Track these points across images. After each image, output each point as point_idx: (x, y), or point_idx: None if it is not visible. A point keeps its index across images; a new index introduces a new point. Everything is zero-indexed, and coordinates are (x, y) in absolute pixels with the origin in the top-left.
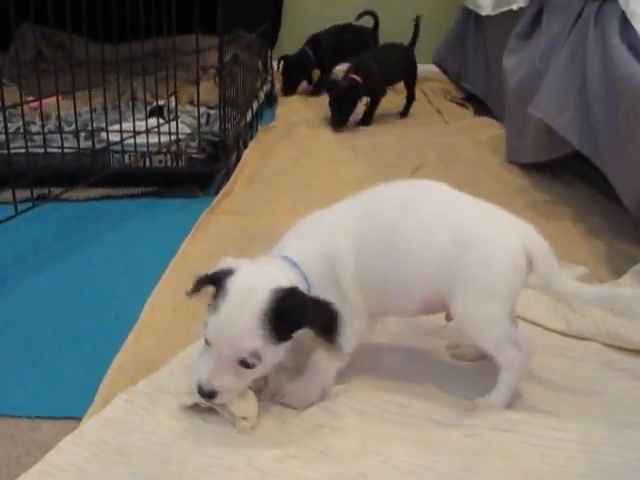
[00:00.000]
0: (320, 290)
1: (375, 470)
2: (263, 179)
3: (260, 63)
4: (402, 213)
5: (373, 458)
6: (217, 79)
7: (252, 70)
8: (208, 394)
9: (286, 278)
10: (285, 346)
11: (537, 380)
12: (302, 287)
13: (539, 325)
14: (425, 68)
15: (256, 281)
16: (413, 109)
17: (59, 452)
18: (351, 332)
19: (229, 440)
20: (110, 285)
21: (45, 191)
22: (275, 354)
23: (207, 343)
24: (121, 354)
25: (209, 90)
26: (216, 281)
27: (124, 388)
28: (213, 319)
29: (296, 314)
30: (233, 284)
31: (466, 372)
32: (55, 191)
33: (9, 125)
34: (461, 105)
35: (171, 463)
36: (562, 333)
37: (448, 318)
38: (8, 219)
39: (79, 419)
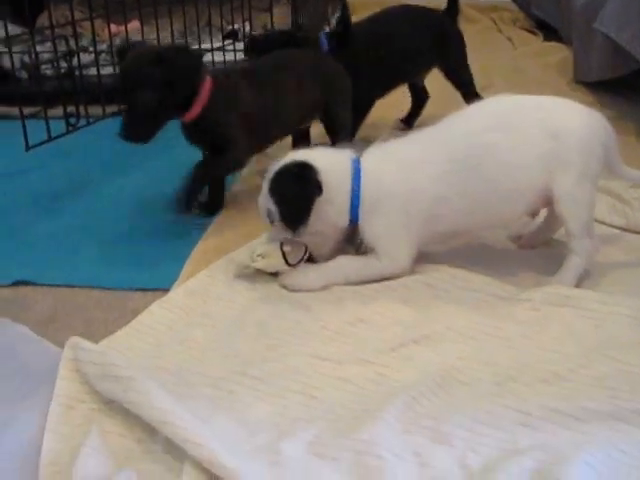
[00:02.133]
0: (382, 210)
1: (439, 334)
2: None
3: None
4: (493, 132)
5: (438, 324)
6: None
7: None
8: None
9: (322, 163)
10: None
11: (596, 265)
12: (339, 181)
13: (600, 222)
14: None
15: (288, 159)
16: (482, 35)
17: (149, 314)
18: (392, 265)
19: (305, 307)
20: None
21: None
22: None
23: None
24: (204, 240)
25: (281, 17)
26: None
27: (206, 267)
28: None
29: (278, 185)
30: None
31: (527, 258)
32: None
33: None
34: (531, 32)
35: (250, 326)
36: (621, 228)
37: (534, 215)
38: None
39: (167, 290)
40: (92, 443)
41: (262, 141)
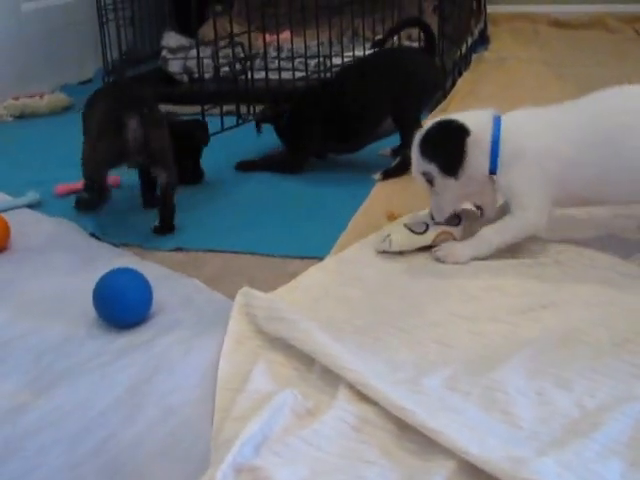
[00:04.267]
0: (513, 169)
1: (565, 301)
2: (475, 100)
3: (474, 4)
4: (632, 115)
5: (564, 293)
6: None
7: (467, 9)
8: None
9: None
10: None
11: None
12: (481, 128)
13: None
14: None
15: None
16: (623, 45)
17: (307, 275)
18: (529, 220)
19: (444, 275)
20: (346, 174)
21: None
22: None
23: None
24: (357, 216)
25: None
26: None
27: (359, 238)
28: None
29: (428, 141)
30: None
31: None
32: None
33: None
34: None
35: (395, 288)
36: None
37: None
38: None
39: (322, 258)
40: (260, 368)
41: None
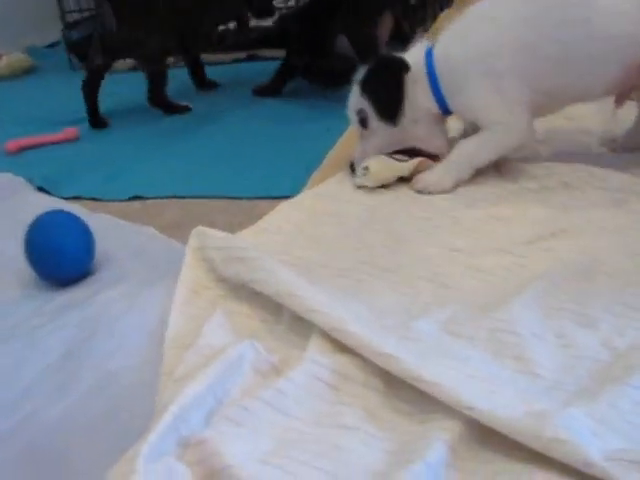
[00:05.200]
0: (462, 89)
1: (578, 227)
2: None
3: None
4: None
5: (576, 219)
6: None
7: None
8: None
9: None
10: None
11: None
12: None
13: None
14: None
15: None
16: None
17: (277, 213)
18: (510, 131)
19: (435, 206)
20: (319, 106)
21: None
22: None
23: None
24: (332, 152)
25: None
26: None
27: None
28: None
29: (364, 82)
30: None
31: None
32: None
33: None
34: None
35: (379, 222)
36: None
37: (618, 103)
38: None
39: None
40: (217, 320)
41: None
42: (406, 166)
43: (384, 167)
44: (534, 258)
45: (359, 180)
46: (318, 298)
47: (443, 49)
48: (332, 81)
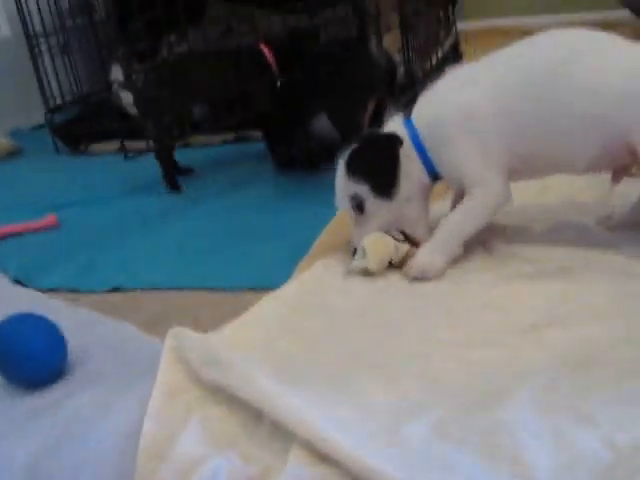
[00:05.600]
0: (445, 148)
1: (574, 314)
2: None
3: (442, 14)
4: (569, 54)
5: (572, 304)
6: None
7: (434, 21)
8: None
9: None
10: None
11: None
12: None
13: None
14: (613, 14)
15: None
16: None
17: (260, 307)
18: (488, 193)
19: (426, 294)
20: (307, 191)
21: None
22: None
23: None
24: (319, 239)
25: (392, 42)
26: None
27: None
28: None
29: (357, 163)
30: None
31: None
32: None
33: None
34: None
35: (367, 315)
36: None
37: (615, 180)
38: None
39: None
40: (194, 428)
41: None
42: (402, 247)
43: (381, 245)
44: (529, 350)
45: (358, 263)
46: (299, 406)
47: (424, 114)
48: (312, 163)
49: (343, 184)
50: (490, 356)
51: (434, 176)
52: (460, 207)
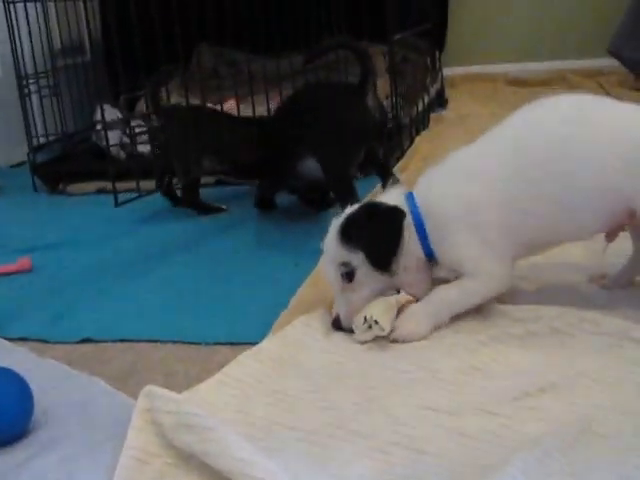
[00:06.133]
0: (445, 234)
1: (569, 380)
2: (436, 159)
3: (429, 61)
4: (570, 125)
5: (566, 370)
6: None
7: (421, 67)
8: (336, 323)
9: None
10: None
11: None
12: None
13: None
14: (599, 63)
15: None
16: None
17: (237, 365)
18: (490, 280)
19: (411, 356)
20: (289, 238)
21: None
22: (370, 275)
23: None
24: (300, 291)
25: (381, 87)
26: None
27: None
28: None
29: (355, 232)
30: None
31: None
32: None
33: None
34: None
35: (349, 377)
36: None
37: (610, 238)
38: None
39: (257, 344)
40: None
41: None
42: (400, 298)
43: (385, 309)
44: (521, 419)
45: (366, 335)
46: (276, 477)
47: (426, 197)
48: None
49: (333, 249)
50: (479, 426)
51: (430, 257)
52: (458, 283)
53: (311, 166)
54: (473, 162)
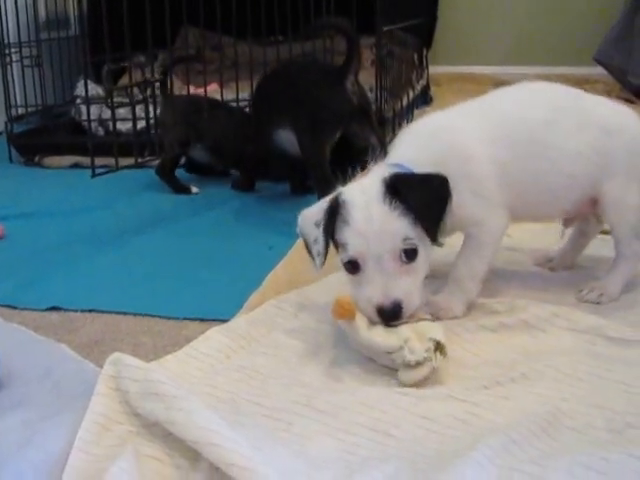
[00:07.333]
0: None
1: (539, 372)
2: None
3: (416, 57)
4: (553, 112)
5: (538, 363)
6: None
7: (408, 62)
8: (393, 311)
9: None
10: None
11: None
12: None
13: None
14: (585, 70)
15: (365, 182)
16: None
17: (206, 340)
18: (491, 230)
19: None
20: (264, 221)
21: None
22: (425, 243)
23: (354, 268)
24: (273, 272)
25: (366, 79)
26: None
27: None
28: (351, 234)
29: (408, 189)
30: (347, 197)
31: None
32: None
33: None
34: (628, 101)
35: (319, 357)
36: None
37: (567, 224)
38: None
39: (226, 321)
40: (123, 464)
41: None
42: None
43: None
44: (490, 407)
45: (421, 371)
46: (241, 450)
47: (415, 157)
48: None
49: (391, 226)
50: (447, 411)
51: None
52: (465, 251)
53: (287, 138)
54: (457, 120)
